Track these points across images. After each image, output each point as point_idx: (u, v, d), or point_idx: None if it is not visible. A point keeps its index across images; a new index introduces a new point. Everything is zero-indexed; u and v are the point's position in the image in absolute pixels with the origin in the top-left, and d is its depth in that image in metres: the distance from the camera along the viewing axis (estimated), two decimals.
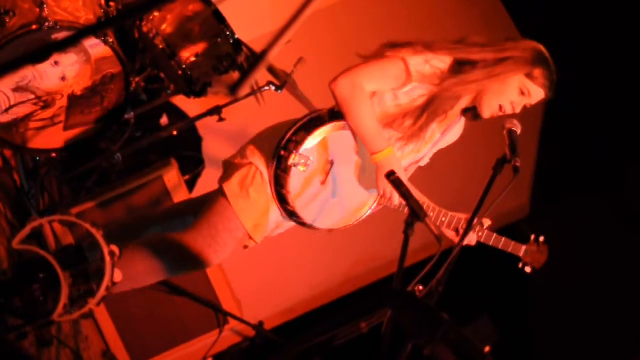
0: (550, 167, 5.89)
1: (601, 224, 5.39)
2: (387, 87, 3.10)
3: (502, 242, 3.45)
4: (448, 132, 3.32)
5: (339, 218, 3.30)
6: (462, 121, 3.36)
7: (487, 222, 3.42)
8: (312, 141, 3.07)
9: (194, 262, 3.27)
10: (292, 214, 3.18)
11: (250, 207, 3.18)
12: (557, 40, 5.30)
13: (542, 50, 3.13)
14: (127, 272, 3.18)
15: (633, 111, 5.21)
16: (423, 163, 3.41)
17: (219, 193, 3.25)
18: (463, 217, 3.39)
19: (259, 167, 3.16)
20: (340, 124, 3.12)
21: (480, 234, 3.40)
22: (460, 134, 3.42)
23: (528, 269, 3.51)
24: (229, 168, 3.30)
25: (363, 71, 3.04)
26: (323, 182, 3.16)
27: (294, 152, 3.04)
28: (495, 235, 3.45)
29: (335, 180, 3.19)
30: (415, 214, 2.69)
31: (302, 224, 3.22)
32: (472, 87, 3.09)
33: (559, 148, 5.61)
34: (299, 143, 3.05)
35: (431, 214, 3.35)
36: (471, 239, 3.37)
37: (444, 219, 3.37)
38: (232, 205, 3.17)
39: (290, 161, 3.04)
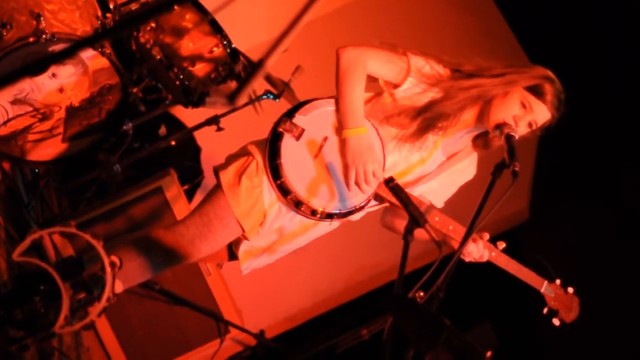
0: (549, 172, 5.89)
1: (600, 228, 5.40)
2: (385, 75, 3.12)
3: (521, 270, 3.32)
4: (456, 160, 3.27)
5: (337, 200, 3.16)
6: (474, 157, 3.33)
7: (501, 245, 3.30)
8: (306, 112, 3.08)
9: (185, 252, 3.22)
10: (286, 191, 3.08)
11: (241, 194, 3.14)
12: (554, 45, 5.33)
13: (550, 73, 3.11)
14: (124, 269, 3.17)
15: (630, 116, 5.23)
16: (438, 205, 3.33)
17: (216, 184, 3.25)
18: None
19: (255, 155, 3.15)
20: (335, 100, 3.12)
21: (493, 254, 3.27)
22: (474, 172, 3.35)
23: (556, 322, 3.40)
24: (228, 159, 3.29)
25: (372, 50, 3.09)
26: (316, 156, 3.11)
27: (287, 121, 3.05)
28: (512, 260, 3.31)
29: (328, 159, 3.14)
30: (415, 220, 2.68)
31: (299, 203, 3.09)
32: (473, 92, 3.08)
33: (558, 153, 5.62)
34: (292, 115, 3.07)
35: (437, 218, 3.26)
36: (482, 254, 3.24)
37: (450, 227, 3.25)
38: (224, 193, 3.15)
39: (281, 128, 3.04)
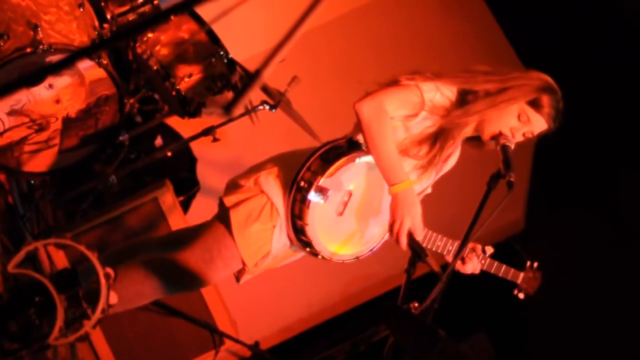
0: (544, 182, 5.90)
1: (596, 238, 5.40)
2: (403, 113, 3.08)
3: (502, 270, 3.41)
4: (449, 158, 3.32)
5: (353, 250, 3.26)
6: (459, 149, 3.36)
7: (489, 250, 3.36)
8: (332, 173, 3.03)
9: (185, 284, 3.26)
10: (307, 245, 3.12)
11: (252, 239, 3.12)
12: (548, 52, 5.33)
13: (549, 80, 3.11)
14: (120, 293, 3.17)
15: (626, 125, 5.24)
16: (429, 190, 3.39)
17: (221, 217, 3.21)
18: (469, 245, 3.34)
19: (273, 199, 3.10)
20: (360, 154, 3.09)
21: (483, 261, 3.34)
22: (456, 160, 3.40)
23: (521, 295, 3.48)
24: (237, 191, 3.22)
25: (386, 96, 3.02)
26: (340, 214, 3.12)
27: (313, 184, 3.00)
28: (496, 263, 3.39)
29: (353, 212, 3.15)
30: (417, 254, 2.76)
31: (316, 254, 3.16)
32: (476, 116, 3.08)
33: (553, 162, 5.63)
34: (318, 174, 3.01)
35: (439, 243, 3.29)
36: (475, 267, 3.30)
37: (450, 248, 3.30)
38: (234, 235, 3.12)
39: (310, 195, 2.99)
